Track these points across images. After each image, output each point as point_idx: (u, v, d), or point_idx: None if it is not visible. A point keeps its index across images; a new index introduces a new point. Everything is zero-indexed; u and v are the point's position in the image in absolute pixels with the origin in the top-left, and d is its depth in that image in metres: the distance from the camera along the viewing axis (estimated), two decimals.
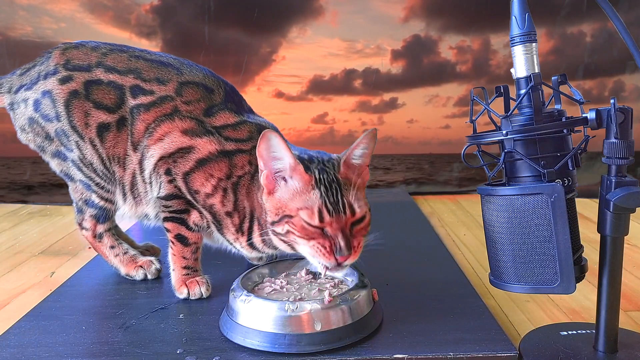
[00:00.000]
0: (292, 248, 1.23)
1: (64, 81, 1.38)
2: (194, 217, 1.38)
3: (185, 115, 1.35)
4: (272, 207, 1.22)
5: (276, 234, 1.22)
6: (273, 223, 1.22)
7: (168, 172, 1.35)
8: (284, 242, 1.22)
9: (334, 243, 1.15)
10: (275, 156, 1.19)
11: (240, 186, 1.32)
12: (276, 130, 1.38)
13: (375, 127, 1.29)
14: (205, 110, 1.37)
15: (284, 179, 1.20)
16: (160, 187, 1.37)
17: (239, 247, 1.39)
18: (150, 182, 1.39)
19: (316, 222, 1.15)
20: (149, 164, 1.37)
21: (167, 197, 1.37)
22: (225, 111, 1.38)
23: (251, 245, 1.35)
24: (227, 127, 1.36)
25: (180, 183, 1.35)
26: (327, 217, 1.15)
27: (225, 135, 1.35)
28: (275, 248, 1.31)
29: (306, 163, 1.21)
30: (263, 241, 1.33)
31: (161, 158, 1.35)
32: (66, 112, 1.38)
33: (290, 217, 1.18)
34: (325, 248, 1.15)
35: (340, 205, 1.16)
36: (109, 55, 1.42)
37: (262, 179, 1.21)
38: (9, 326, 1.26)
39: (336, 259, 1.15)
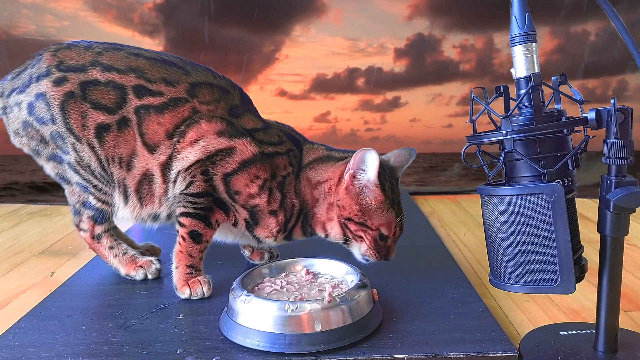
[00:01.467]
0: (347, 242, 1.41)
1: (58, 83, 1.37)
2: (218, 216, 1.39)
3: (212, 115, 1.36)
4: (352, 206, 1.36)
5: (347, 227, 1.38)
6: (349, 219, 1.36)
7: (205, 173, 1.35)
8: (346, 236, 1.39)
9: (387, 252, 1.39)
10: (364, 168, 1.32)
11: (287, 185, 1.39)
12: (294, 130, 1.51)
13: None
14: (229, 110, 1.39)
15: (362, 188, 1.34)
16: (189, 184, 1.36)
17: (270, 241, 1.44)
18: (174, 181, 1.38)
19: (391, 235, 1.38)
20: (179, 165, 1.36)
21: (198, 195, 1.37)
22: (250, 114, 1.42)
23: (287, 238, 1.46)
24: (258, 130, 1.40)
25: (218, 183, 1.36)
26: (397, 233, 1.39)
27: (259, 139, 1.38)
28: (310, 236, 1.47)
29: (382, 181, 1.34)
30: (303, 233, 1.46)
31: (198, 161, 1.35)
32: (62, 114, 1.37)
33: (371, 229, 1.36)
34: (379, 254, 1.38)
35: (403, 224, 1.40)
36: (104, 54, 1.40)
37: (347, 176, 1.34)
38: (9, 326, 1.26)
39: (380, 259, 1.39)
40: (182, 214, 1.39)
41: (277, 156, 1.39)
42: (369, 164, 1.31)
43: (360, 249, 1.39)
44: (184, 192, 1.37)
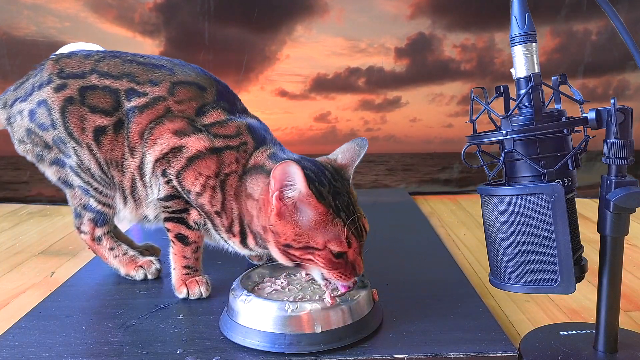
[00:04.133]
0: (299, 266, 1.22)
1: (58, 89, 1.39)
2: (193, 216, 1.39)
3: (176, 115, 1.36)
4: (286, 231, 1.17)
5: (288, 254, 1.20)
6: (288, 246, 1.18)
7: (164, 174, 1.36)
8: (295, 261, 1.21)
9: (352, 268, 1.16)
10: (289, 183, 1.14)
11: (227, 185, 1.31)
12: (265, 129, 1.41)
13: (366, 137, 1.30)
14: (198, 109, 1.37)
15: (295, 205, 1.16)
16: (159, 188, 1.38)
17: (232, 244, 1.38)
18: (151, 186, 1.40)
19: (345, 249, 1.15)
20: (148, 168, 1.38)
21: (166, 198, 1.37)
22: (217, 109, 1.38)
23: (244, 245, 1.35)
24: (215, 124, 1.36)
25: (175, 183, 1.35)
26: (354, 243, 1.16)
27: (213, 133, 1.34)
28: (267, 248, 1.27)
29: (318, 187, 1.17)
30: (256, 244, 1.32)
31: (156, 160, 1.36)
32: (62, 119, 1.38)
33: (318, 249, 1.16)
34: (344, 275, 1.16)
35: (361, 230, 1.18)
36: (102, 61, 1.42)
37: (273, 199, 1.16)
38: (9, 326, 1.26)
39: (350, 281, 1.17)
40: (164, 220, 1.41)
41: (227, 150, 1.32)
42: (294, 176, 1.13)
43: (320, 273, 1.19)
44: (158, 197, 1.39)
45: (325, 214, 1.15)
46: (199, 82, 1.40)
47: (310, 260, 1.17)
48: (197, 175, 1.32)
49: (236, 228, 1.33)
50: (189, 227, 1.39)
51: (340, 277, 1.16)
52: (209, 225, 1.38)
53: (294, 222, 1.17)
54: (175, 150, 1.34)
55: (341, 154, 1.30)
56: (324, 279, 1.19)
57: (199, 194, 1.33)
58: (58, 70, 1.41)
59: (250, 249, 1.36)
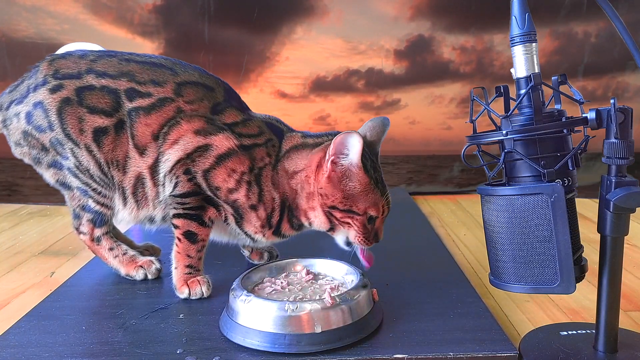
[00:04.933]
0: (332, 229, 1.37)
1: (54, 90, 1.38)
2: (210, 213, 1.39)
3: (193, 114, 1.36)
4: (335, 194, 1.32)
5: (331, 215, 1.34)
6: (333, 207, 1.33)
7: (187, 172, 1.36)
8: (333, 223, 1.36)
9: (376, 234, 1.36)
10: (345, 152, 1.28)
11: (263, 177, 1.36)
12: (277, 120, 1.49)
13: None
14: (212, 108, 1.39)
15: (344, 173, 1.30)
16: (176, 185, 1.37)
17: (260, 237, 1.42)
18: (164, 184, 1.39)
19: (380, 215, 1.34)
20: (164, 168, 1.38)
21: (185, 195, 1.37)
22: (232, 109, 1.41)
23: (276, 233, 1.42)
24: (237, 124, 1.39)
25: (200, 180, 1.36)
26: (385, 212, 1.36)
27: (237, 132, 1.37)
28: (299, 229, 1.43)
29: (364, 161, 1.30)
30: (291, 226, 1.42)
31: (179, 160, 1.36)
32: (59, 121, 1.38)
33: (358, 214, 1.32)
34: (369, 239, 1.35)
35: (390, 201, 1.37)
36: (98, 61, 1.42)
37: (328, 163, 1.29)
38: (9, 326, 1.26)
39: (370, 246, 1.36)
40: (175, 216, 1.40)
41: (256, 148, 1.37)
42: (352, 148, 1.27)
43: (348, 236, 1.36)
44: (172, 194, 1.38)
45: (368, 184, 1.31)
46: (205, 82, 1.41)
47: (348, 223, 1.34)
48: (229, 172, 1.35)
49: (275, 217, 1.39)
50: (202, 223, 1.39)
51: (365, 241, 1.34)
52: (231, 220, 1.40)
53: (343, 187, 1.31)
54: (202, 150, 1.35)
55: (369, 132, 1.41)
56: (347, 243, 1.38)
57: (231, 190, 1.36)
58: (53, 71, 1.40)
59: (281, 236, 1.44)
